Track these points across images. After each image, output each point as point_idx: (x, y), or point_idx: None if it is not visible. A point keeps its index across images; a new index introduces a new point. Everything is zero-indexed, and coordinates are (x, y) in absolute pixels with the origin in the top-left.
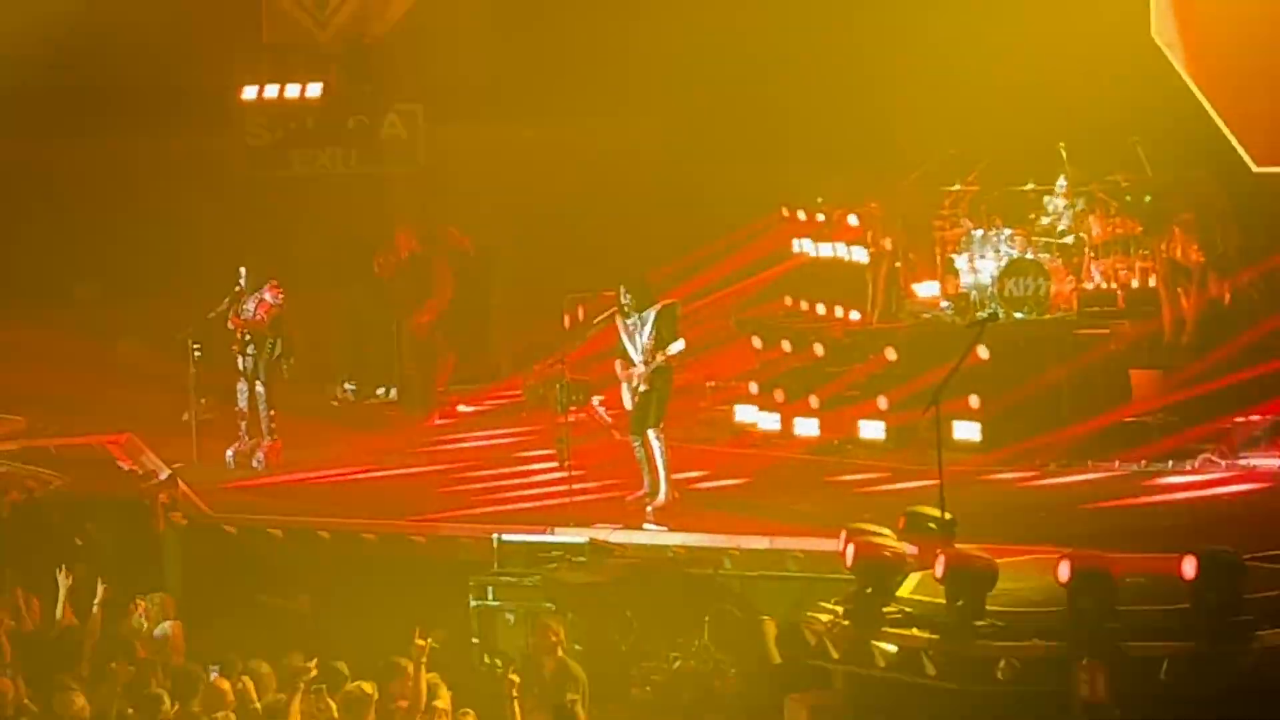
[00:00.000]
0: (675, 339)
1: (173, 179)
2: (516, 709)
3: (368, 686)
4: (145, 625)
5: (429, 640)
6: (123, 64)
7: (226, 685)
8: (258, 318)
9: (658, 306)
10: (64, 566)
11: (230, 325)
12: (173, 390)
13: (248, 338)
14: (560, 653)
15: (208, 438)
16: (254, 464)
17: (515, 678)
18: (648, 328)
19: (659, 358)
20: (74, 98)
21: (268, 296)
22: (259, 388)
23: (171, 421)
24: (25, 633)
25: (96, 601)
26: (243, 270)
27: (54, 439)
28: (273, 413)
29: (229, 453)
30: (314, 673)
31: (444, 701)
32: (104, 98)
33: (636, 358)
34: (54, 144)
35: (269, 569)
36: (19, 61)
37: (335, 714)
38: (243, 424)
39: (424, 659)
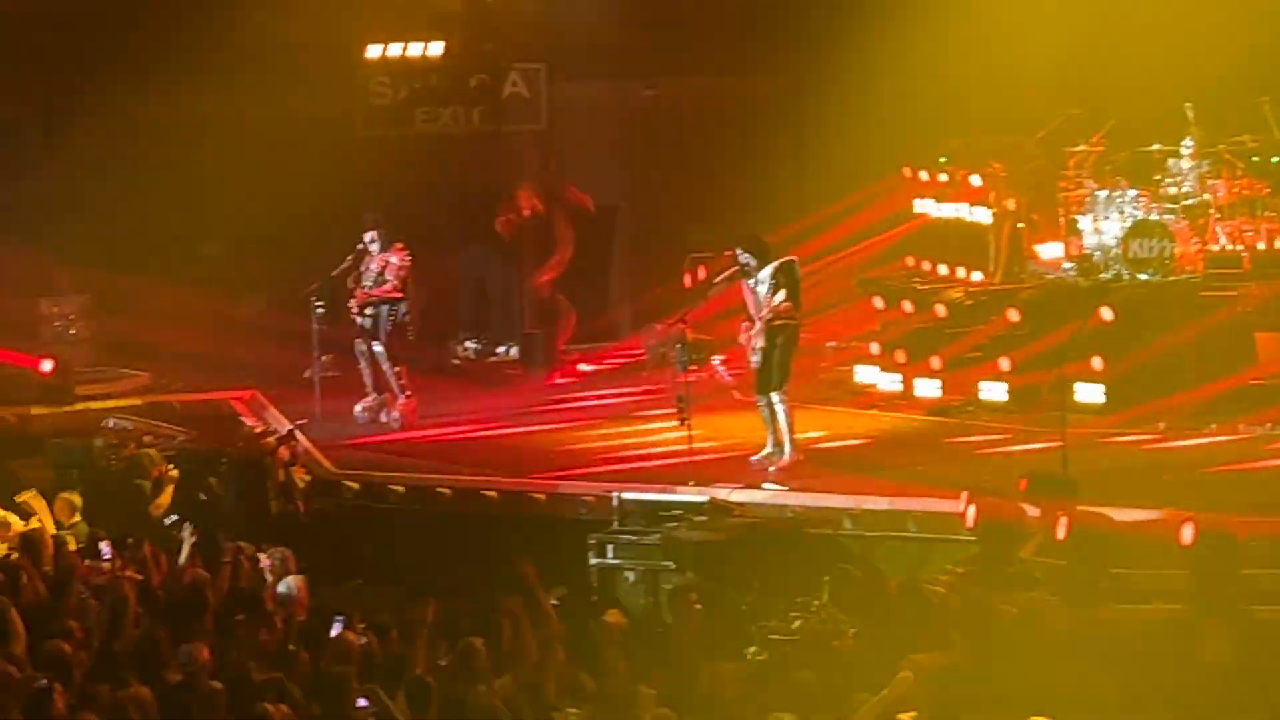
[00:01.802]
0: (793, 296)
1: (298, 138)
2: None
3: (477, 641)
4: (270, 580)
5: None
6: (248, 22)
7: (353, 638)
8: (388, 283)
9: (775, 264)
10: (188, 523)
11: (357, 299)
12: (296, 347)
13: (371, 299)
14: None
15: (330, 395)
16: (385, 420)
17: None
18: (764, 286)
19: (767, 314)
20: (202, 56)
21: (394, 259)
22: (376, 346)
23: (294, 378)
24: (152, 586)
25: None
26: (370, 234)
27: (178, 395)
28: (398, 369)
29: (358, 409)
30: (432, 618)
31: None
32: (230, 56)
33: (755, 315)
34: (183, 103)
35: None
36: (146, 18)
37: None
38: (368, 381)
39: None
